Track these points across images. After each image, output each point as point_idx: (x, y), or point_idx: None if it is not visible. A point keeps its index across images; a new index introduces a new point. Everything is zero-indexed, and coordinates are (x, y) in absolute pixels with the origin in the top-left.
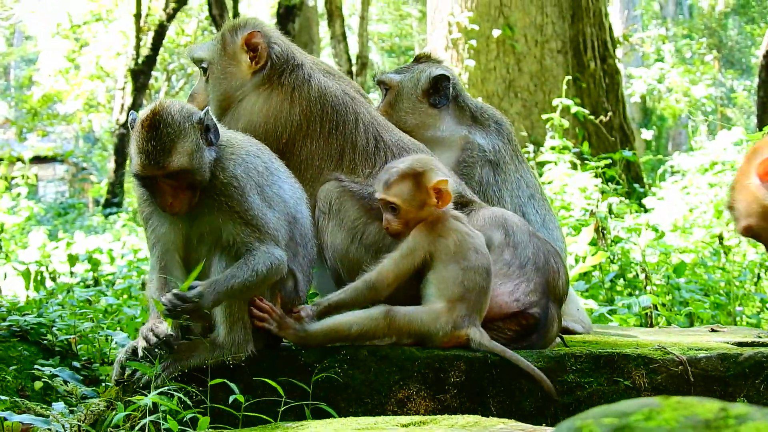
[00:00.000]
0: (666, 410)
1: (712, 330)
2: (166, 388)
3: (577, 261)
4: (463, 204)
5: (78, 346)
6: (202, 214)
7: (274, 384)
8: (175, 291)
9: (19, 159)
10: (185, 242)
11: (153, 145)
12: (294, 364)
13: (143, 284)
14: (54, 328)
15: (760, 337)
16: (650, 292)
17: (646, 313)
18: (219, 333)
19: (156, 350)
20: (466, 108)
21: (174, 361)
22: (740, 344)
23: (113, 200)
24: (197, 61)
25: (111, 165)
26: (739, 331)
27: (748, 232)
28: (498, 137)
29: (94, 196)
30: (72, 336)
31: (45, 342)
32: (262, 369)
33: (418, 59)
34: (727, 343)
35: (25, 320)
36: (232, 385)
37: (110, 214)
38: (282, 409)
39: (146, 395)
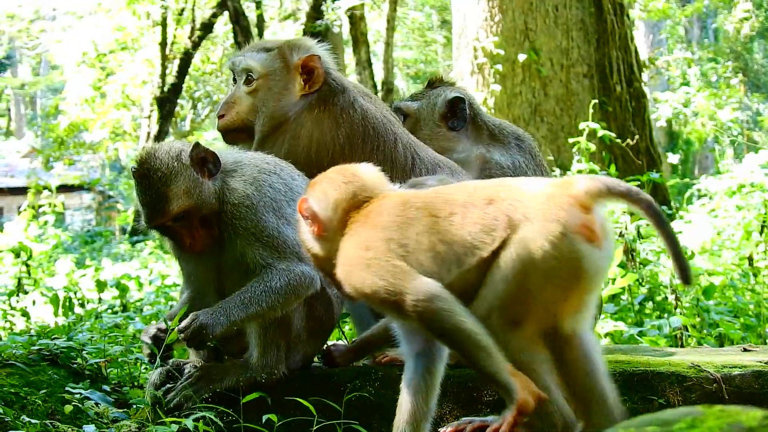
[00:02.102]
0: (709, 418)
1: (744, 350)
2: (198, 409)
3: (606, 283)
4: None
5: (108, 370)
6: (225, 243)
7: (306, 403)
8: (158, 326)
9: (46, 188)
10: (217, 273)
11: (149, 195)
12: (326, 384)
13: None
14: (84, 352)
15: None
16: (680, 314)
17: (676, 335)
18: (252, 355)
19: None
20: (484, 127)
21: (206, 383)
22: None
23: (139, 229)
24: (247, 71)
25: None
26: None
27: None
28: (519, 153)
29: (120, 224)
30: (102, 360)
31: (75, 366)
32: (294, 389)
33: (432, 84)
34: (760, 361)
35: (54, 344)
36: (267, 398)
37: (137, 241)
38: (314, 429)
39: (178, 416)
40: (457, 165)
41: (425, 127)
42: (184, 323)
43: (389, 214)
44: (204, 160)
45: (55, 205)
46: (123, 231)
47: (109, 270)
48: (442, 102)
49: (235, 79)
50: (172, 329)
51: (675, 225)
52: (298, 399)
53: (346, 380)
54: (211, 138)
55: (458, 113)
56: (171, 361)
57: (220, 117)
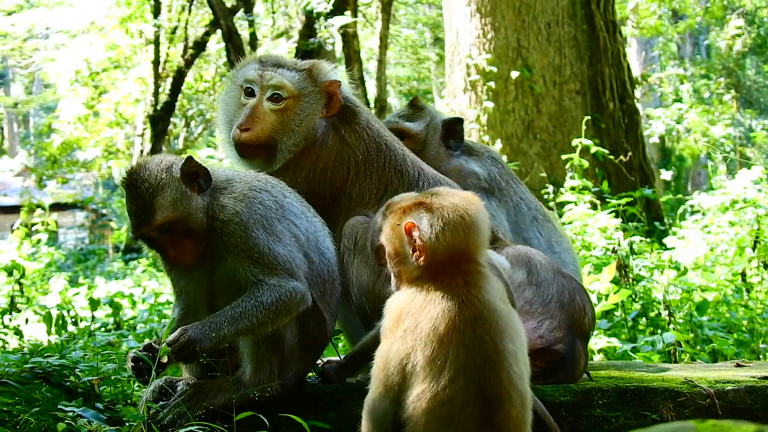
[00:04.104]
0: None
1: (738, 365)
2: (191, 426)
3: (599, 299)
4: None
5: (101, 388)
6: (216, 260)
7: (299, 420)
8: (148, 343)
9: (39, 206)
10: (209, 290)
11: (135, 204)
12: (320, 401)
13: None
14: (77, 370)
15: None
16: (673, 330)
17: (670, 351)
18: (245, 371)
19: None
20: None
21: (199, 400)
22: (766, 378)
23: (133, 246)
24: (277, 88)
25: None
26: (765, 365)
27: None
28: (493, 164)
29: (114, 242)
30: (95, 377)
31: (68, 384)
32: (287, 406)
33: (415, 104)
34: (753, 377)
35: (47, 362)
36: (260, 417)
37: (130, 259)
38: None
39: None
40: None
41: (431, 147)
42: (172, 337)
43: None
44: (195, 175)
45: (48, 224)
46: (116, 249)
47: (102, 288)
48: (442, 124)
49: (249, 92)
50: (162, 342)
51: (668, 241)
52: (291, 416)
53: (339, 397)
54: (204, 156)
55: (457, 134)
56: (164, 378)
57: (244, 129)
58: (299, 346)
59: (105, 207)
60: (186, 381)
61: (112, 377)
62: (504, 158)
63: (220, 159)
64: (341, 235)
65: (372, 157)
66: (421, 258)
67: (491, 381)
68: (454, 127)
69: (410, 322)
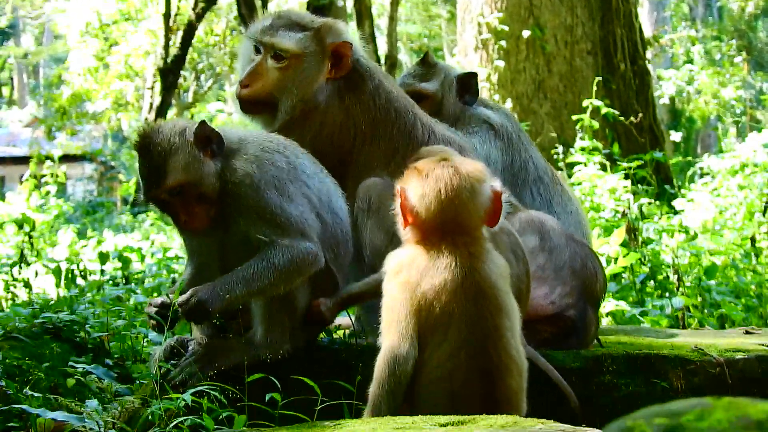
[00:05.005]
0: (718, 411)
1: (747, 332)
2: (202, 386)
3: (608, 262)
4: None
5: (110, 344)
6: (229, 223)
7: (311, 383)
8: (162, 299)
9: (48, 157)
10: (221, 252)
11: (148, 167)
12: (333, 362)
13: (173, 282)
14: (87, 326)
15: None
16: (682, 294)
17: (678, 315)
18: (256, 332)
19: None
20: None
21: (210, 360)
22: None
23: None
24: (279, 50)
25: None
26: None
27: None
28: (507, 119)
29: (122, 195)
30: (105, 333)
31: (78, 339)
32: (298, 368)
33: (426, 61)
34: (763, 345)
35: (58, 317)
36: (272, 378)
37: (139, 212)
38: (318, 407)
39: (182, 393)
40: (466, 142)
41: (447, 104)
42: (182, 298)
43: None
44: (208, 140)
45: (57, 176)
46: (125, 202)
47: (110, 241)
48: (458, 79)
49: (257, 49)
50: (174, 303)
51: (677, 203)
52: (303, 378)
53: (353, 359)
54: (213, 110)
55: (471, 89)
56: (175, 337)
57: (244, 86)
58: (304, 318)
59: (114, 159)
60: (197, 341)
61: (122, 333)
62: (516, 119)
63: (229, 113)
64: (350, 199)
65: (379, 125)
66: (407, 223)
67: (492, 355)
68: (468, 81)
69: (410, 277)
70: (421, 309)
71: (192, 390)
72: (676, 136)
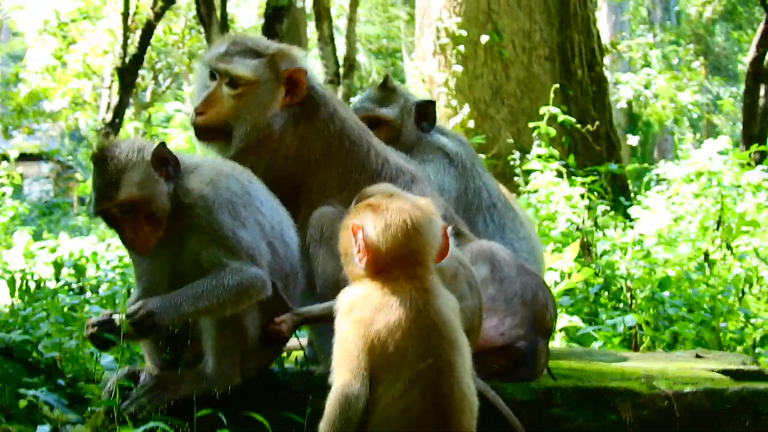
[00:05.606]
0: None
1: (697, 356)
2: (152, 422)
3: (562, 277)
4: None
5: (63, 363)
6: (179, 245)
7: (260, 418)
8: (101, 318)
9: (4, 157)
10: (171, 275)
11: (102, 178)
12: (284, 393)
13: (128, 292)
14: (39, 346)
15: (744, 363)
16: (634, 311)
17: (631, 334)
18: (207, 363)
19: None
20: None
21: (161, 393)
22: (726, 372)
23: None
24: (235, 77)
25: None
26: (724, 356)
27: None
28: (461, 146)
29: (79, 194)
30: (57, 354)
31: (30, 360)
32: (249, 400)
33: (386, 86)
34: (713, 370)
35: (10, 338)
36: (220, 415)
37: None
38: None
39: (132, 426)
40: (420, 171)
41: (405, 131)
42: (131, 308)
43: None
44: (165, 161)
45: (13, 177)
46: (81, 202)
47: (66, 245)
48: (415, 107)
49: (213, 75)
50: (124, 315)
51: (633, 211)
52: (251, 414)
53: (301, 390)
54: (171, 110)
55: (429, 116)
56: (127, 367)
57: (199, 113)
58: (262, 338)
59: (71, 159)
60: (148, 372)
61: (76, 352)
62: (471, 147)
63: (187, 113)
64: (303, 226)
65: (332, 153)
66: (364, 259)
67: (445, 391)
68: (426, 109)
69: (363, 315)
70: (375, 347)
71: (143, 427)
72: (633, 140)
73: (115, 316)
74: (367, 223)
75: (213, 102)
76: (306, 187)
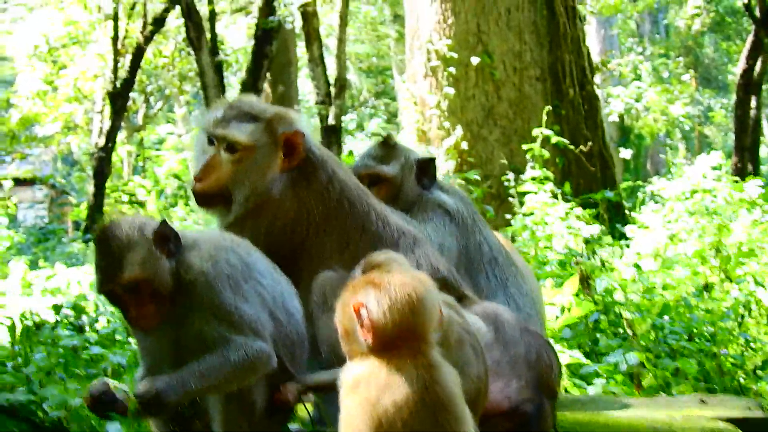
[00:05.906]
0: None
1: (701, 401)
2: None
3: (562, 311)
4: (456, 298)
5: (69, 422)
6: (182, 321)
7: None
8: (102, 388)
9: None
10: (175, 351)
11: (104, 260)
12: None
13: (127, 331)
14: (44, 405)
15: (750, 409)
16: (633, 342)
17: (632, 373)
18: None
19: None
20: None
21: None
22: (732, 420)
23: (93, 225)
24: (232, 142)
25: (90, 188)
26: (728, 401)
27: None
28: (462, 202)
29: (73, 219)
30: (63, 413)
31: (36, 420)
32: None
33: (387, 143)
34: (719, 418)
35: (15, 399)
36: None
37: (90, 239)
38: None
39: None
40: (420, 232)
41: (406, 188)
42: (140, 390)
43: None
44: (167, 238)
45: (8, 207)
46: (76, 226)
47: (62, 274)
48: (416, 164)
49: (210, 140)
50: (130, 393)
51: (628, 230)
52: None
53: None
54: (163, 132)
55: (429, 173)
56: None
57: (198, 180)
58: (269, 410)
59: (65, 183)
60: None
61: (81, 411)
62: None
63: (179, 134)
64: (304, 290)
65: (332, 216)
66: (370, 337)
67: None
68: (427, 166)
69: (369, 395)
70: (382, 426)
71: None
72: (625, 153)
73: (118, 389)
74: (370, 301)
75: (212, 168)
76: (306, 251)
